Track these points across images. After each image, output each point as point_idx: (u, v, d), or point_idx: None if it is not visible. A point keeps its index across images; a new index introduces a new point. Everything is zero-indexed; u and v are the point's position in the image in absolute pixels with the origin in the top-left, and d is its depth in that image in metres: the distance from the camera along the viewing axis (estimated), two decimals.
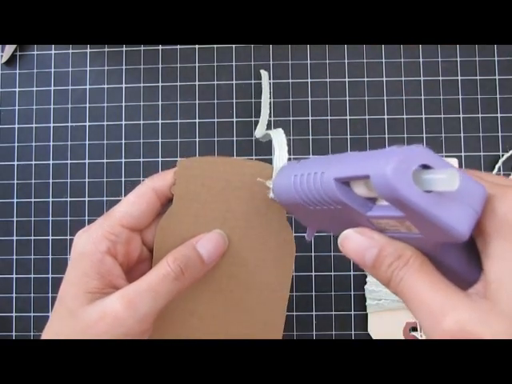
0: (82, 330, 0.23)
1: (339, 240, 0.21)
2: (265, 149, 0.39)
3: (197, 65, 0.40)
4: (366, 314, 0.37)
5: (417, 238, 0.18)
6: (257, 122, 0.35)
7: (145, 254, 0.28)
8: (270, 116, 0.39)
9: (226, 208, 0.27)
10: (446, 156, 0.38)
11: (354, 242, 0.20)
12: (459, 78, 0.39)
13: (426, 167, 0.17)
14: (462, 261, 0.19)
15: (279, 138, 0.27)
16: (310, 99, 0.39)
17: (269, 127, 0.39)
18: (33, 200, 0.39)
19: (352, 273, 0.38)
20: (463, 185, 0.16)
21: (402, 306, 0.36)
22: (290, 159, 0.26)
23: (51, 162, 0.40)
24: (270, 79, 0.39)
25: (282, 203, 0.24)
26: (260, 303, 0.28)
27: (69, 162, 0.40)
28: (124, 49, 0.40)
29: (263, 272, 0.27)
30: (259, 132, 0.32)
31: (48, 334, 0.24)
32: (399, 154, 0.16)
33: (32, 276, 0.39)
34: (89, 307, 0.23)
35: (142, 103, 0.40)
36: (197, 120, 0.39)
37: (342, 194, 0.19)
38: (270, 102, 0.39)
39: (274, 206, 0.27)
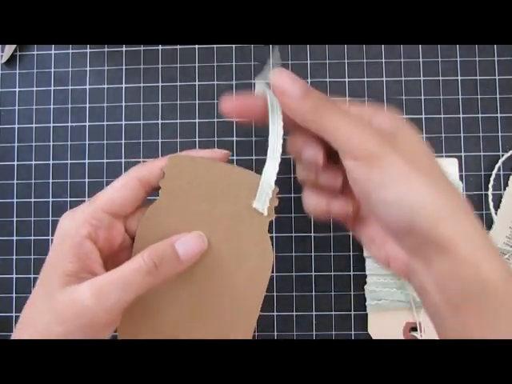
0: (54, 312, 0.24)
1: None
2: (265, 149, 0.39)
3: (197, 65, 0.40)
4: (366, 314, 0.37)
5: None
6: None
7: (127, 242, 0.28)
8: None
9: (210, 210, 0.27)
10: (446, 156, 0.38)
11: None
12: (459, 78, 0.39)
13: None
14: None
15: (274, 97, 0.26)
16: None
17: None
18: (33, 200, 0.39)
19: (352, 273, 0.38)
20: None
21: (402, 306, 0.36)
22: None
23: (51, 161, 0.40)
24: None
25: None
26: (231, 311, 0.28)
27: (69, 162, 0.40)
28: (124, 49, 0.40)
29: (238, 280, 0.27)
30: (260, 82, 0.28)
31: (27, 311, 0.25)
32: None
33: (32, 276, 0.39)
34: (62, 291, 0.24)
35: (141, 103, 0.40)
36: (197, 120, 0.39)
37: None
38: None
39: (256, 217, 0.27)
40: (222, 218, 0.27)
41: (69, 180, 0.39)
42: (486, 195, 0.37)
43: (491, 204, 0.37)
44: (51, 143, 0.40)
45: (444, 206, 0.21)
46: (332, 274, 0.38)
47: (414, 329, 0.36)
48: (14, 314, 0.39)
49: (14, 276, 0.39)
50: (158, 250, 0.25)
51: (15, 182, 0.40)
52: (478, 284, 0.20)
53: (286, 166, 0.38)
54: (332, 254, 0.38)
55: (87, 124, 0.40)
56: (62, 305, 0.24)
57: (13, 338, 0.25)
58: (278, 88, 0.24)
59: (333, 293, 0.38)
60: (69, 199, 0.39)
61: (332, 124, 0.23)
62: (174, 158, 0.28)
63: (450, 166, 0.37)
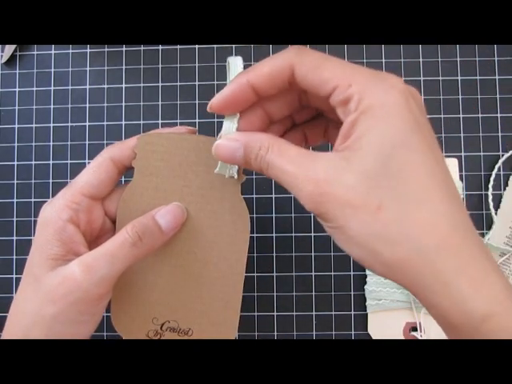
0: (45, 294, 0.24)
1: (213, 150, 0.24)
2: None
3: (197, 65, 0.40)
4: (366, 314, 0.37)
5: None
6: None
7: (108, 225, 0.29)
8: None
9: (184, 182, 0.28)
10: (446, 156, 0.38)
11: (224, 148, 0.23)
12: (459, 78, 0.39)
13: None
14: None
15: (236, 64, 0.28)
16: None
17: None
18: (33, 200, 0.39)
19: (352, 273, 0.38)
20: None
21: (402, 306, 0.36)
22: None
23: (51, 161, 0.40)
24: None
25: None
26: (217, 279, 0.28)
27: (69, 162, 0.40)
28: (124, 49, 0.40)
29: (219, 247, 0.28)
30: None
31: (16, 300, 0.26)
32: None
33: None
34: (51, 273, 0.25)
35: (141, 103, 0.40)
36: (197, 120, 0.39)
37: None
38: None
39: (228, 181, 0.28)
40: (196, 189, 0.28)
41: (69, 180, 0.39)
42: (486, 195, 0.37)
43: (491, 204, 0.37)
44: (51, 143, 0.40)
45: (446, 235, 0.18)
46: (332, 274, 0.38)
47: (414, 329, 0.36)
48: None
49: (14, 276, 0.39)
50: (140, 223, 0.26)
51: (15, 182, 0.40)
52: (462, 318, 0.18)
53: None
54: (332, 254, 0.38)
55: (87, 124, 0.40)
56: (53, 285, 0.24)
57: (4, 328, 0.26)
58: (224, 159, 0.24)
59: (333, 293, 0.38)
60: None
61: (277, 175, 0.22)
62: (143, 137, 0.28)
63: (450, 166, 0.37)
